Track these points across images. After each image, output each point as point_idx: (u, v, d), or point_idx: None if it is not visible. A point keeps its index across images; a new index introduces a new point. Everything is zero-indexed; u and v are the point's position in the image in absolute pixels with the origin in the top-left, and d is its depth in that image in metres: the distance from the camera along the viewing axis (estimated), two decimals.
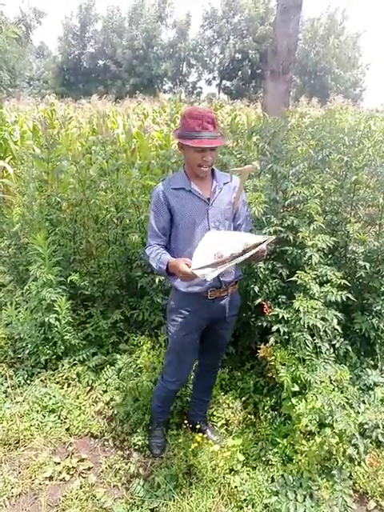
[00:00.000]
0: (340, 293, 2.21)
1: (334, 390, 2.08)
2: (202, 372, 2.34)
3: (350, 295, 2.23)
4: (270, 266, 2.46)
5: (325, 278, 2.29)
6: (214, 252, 1.68)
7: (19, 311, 2.99)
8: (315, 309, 2.13)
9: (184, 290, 1.93)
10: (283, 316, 2.25)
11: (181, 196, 1.89)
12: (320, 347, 2.28)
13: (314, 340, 2.25)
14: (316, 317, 2.15)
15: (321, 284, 2.26)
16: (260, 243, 1.70)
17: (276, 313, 2.27)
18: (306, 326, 2.15)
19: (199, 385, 2.37)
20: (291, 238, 2.43)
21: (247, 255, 1.67)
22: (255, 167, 1.93)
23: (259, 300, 2.38)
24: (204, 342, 2.21)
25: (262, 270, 2.37)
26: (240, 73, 34.14)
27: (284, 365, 2.16)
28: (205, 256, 1.68)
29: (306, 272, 2.21)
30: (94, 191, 3.19)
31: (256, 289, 2.37)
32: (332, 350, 2.36)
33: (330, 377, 2.16)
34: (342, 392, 2.19)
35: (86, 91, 28.72)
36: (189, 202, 1.89)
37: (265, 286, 2.43)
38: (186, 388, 2.59)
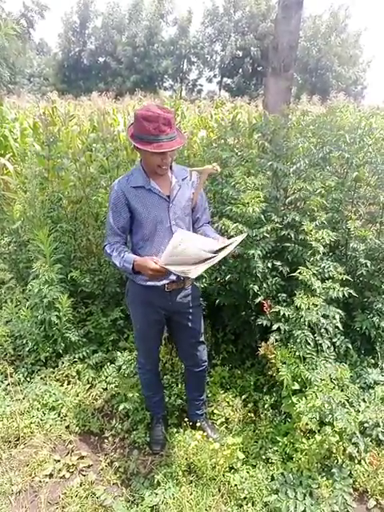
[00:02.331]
0: (342, 289, 2.20)
1: (334, 388, 2.07)
2: (189, 373, 2.34)
3: (352, 291, 2.22)
4: (269, 264, 2.45)
5: (326, 275, 2.28)
6: (184, 248, 1.69)
7: (20, 309, 2.99)
8: (316, 306, 2.13)
9: (142, 284, 1.95)
10: (284, 314, 2.24)
11: (141, 195, 1.88)
12: (321, 345, 2.28)
13: (314, 338, 2.25)
14: (317, 313, 2.14)
15: (322, 281, 2.25)
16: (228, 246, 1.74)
17: (276, 310, 2.26)
18: (306, 323, 2.14)
19: (190, 386, 2.38)
20: (292, 235, 2.42)
21: (220, 257, 1.70)
22: (215, 169, 1.90)
23: (259, 299, 2.37)
24: (175, 338, 2.25)
25: (260, 269, 2.36)
26: (241, 70, 34.05)
27: (284, 363, 2.15)
28: (176, 256, 1.69)
29: (307, 268, 2.21)
30: (94, 189, 3.19)
31: (255, 288, 2.36)
32: (332, 349, 2.35)
33: (330, 375, 2.15)
34: (342, 390, 2.18)
35: (87, 88, 28.63)
36: (149, 200, 1.88)
37: (264, 285, 2.42)
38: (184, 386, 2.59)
